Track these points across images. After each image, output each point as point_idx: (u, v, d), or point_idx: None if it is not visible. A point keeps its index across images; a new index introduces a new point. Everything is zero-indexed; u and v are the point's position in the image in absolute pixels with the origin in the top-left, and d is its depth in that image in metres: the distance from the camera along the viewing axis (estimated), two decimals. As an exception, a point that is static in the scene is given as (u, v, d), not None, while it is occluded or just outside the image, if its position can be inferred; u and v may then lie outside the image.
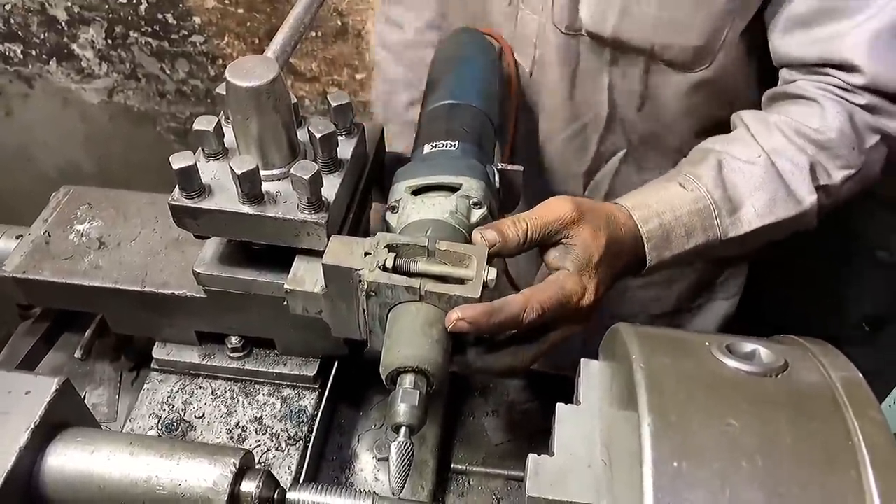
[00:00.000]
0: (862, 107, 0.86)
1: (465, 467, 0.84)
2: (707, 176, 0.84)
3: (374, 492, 0.54)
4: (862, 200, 0.97)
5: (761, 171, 0.85)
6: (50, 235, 0.85)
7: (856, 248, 1.63)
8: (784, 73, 0.93)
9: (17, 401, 0.54)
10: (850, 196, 0.90)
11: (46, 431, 0.54)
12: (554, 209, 0.74)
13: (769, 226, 0.84)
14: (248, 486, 0.54)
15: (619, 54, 0.97)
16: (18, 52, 2.02)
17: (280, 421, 0.81)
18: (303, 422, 0.81)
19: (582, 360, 0.61)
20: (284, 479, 0.76)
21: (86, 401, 0.89)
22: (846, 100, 0.86)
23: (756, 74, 1.00)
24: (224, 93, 0.70)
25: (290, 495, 0.54)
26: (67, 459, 0.54)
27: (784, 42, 0.90)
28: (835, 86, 0.87)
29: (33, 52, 2.01)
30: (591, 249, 0.73)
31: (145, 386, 0.84)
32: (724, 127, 0.96)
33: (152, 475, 0.53)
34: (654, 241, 0.80)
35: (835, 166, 0.86)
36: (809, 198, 0.85)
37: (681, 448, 0.42)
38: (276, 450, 0.79)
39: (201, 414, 0.82)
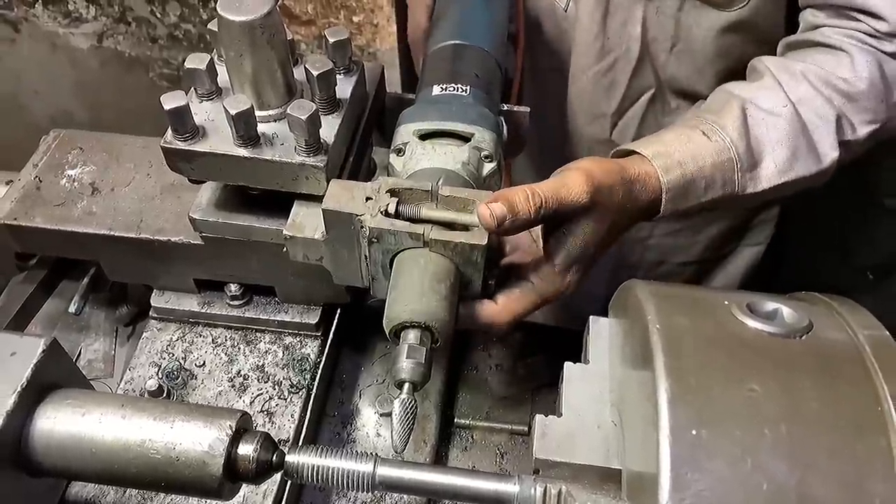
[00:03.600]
0: (891, 55, 0.82)
1: (468, 422, 0.83)
2: (731, 126, 0.80)
3: (376, 453, 0.53)
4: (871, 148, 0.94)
5: (785, 124, 0.81)
6: (41, 181, 0.82)
7: (864, 195, 1.60)
8: (808, 16, 0.88)
9: (4, 362, 0.52)
10: (867, 149, 0.87)
11: (34, 394, 0.52)
12: (572, 189, 0.68)
13: (787, 183, 0.81)
14: (246, 449, 0.52)
15: None
16: (3, -6, 1.95)
17: (282, 369, 0.80)
18: (305, 370, 0.80)
19: (591, 317, 0.59)
20: (287, 427, 0.76)
21: (81, 356, 0.88)
22: (875, 48, 0.82)
23: (787, 22, 0.95)
24: (216, 28, 0.66)
25: (288, 458, 0.53)
26: (57, 422, 0.52)
27: None
28: (863, 32, 0.82)
29: (18, -5, 1.94)
30: (589, 246, 0.71)
31: (144, 334, 0.83)
32: None
33: (146, 438, 0.51)
34: (672, 193, 0.76)
35: (861, 120, 0.82)
36: (832, 153, 0.81)
37: (700, 415, 0.40)
38: (279, 398, 0.78)
39: (202, 362, 0.81)
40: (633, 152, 0.79)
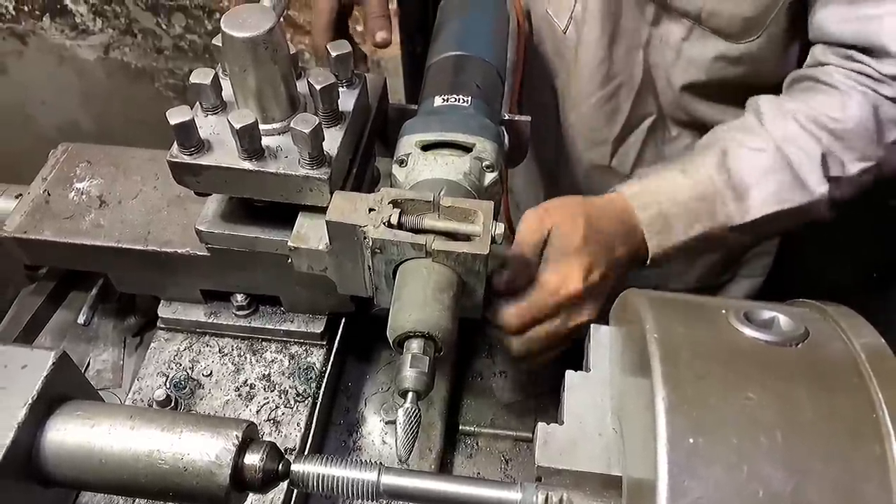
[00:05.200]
0: (890, 99, 0.83)
1: (473, 429, 0.84)
2: (710, 163, 0.82)
3: (381, 462, 0.54)
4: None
5: (769, 160, 0.82)
6: (49, 194, 0.83)
7: (871, 195, 1.60)
8: (817, 52, 0.89)
9: (14, 375, 0.53)
10: (867, 187, 0.87)
11: (45, 406, 0.53)
12: (525, 229, 0.75)
13: (778, 213, 0.82)
14: (252, 459, 0.52)
15: (662, 13, 0.93)
16: (10, 7, 1.98)
17: (288, 378, 0.81)
18: (311, 378, 0.81)
19: (592, 325, 0.60)
20: (294, 435, 0.77)
21: (90, 366, 0.89)
22: (873, 90, 0.83)
23: (801, 53, 0.96)
24: (220, 44, 0.68)
25: (294, 467, 0.53)
26: (67, 434, 0.53)
27: (824, 14, 0.86)
28: (865, 74, 0.83)
29: (26, 8, 1.97)
30: (568, 235, 0.74)
31: (152, 345, 0.84)
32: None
33: (154, 449, 0.52)
34: (654, 228, 0.78)
35: (850, 158, 0.83)
36: (819, 188, 0.82)
37: (697, 423, 0.40)
38: (285, 407, 0.79)
39: (209, 372, 0.82)
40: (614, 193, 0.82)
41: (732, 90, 0.98)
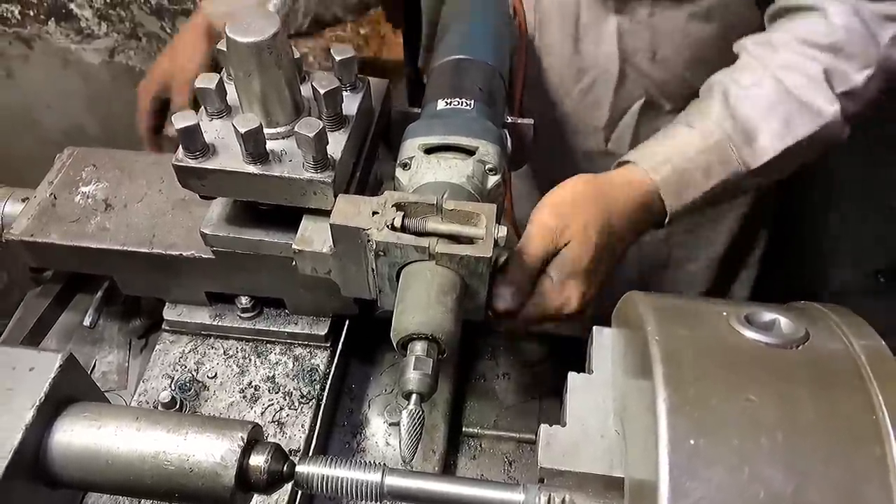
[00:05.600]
0: None
1: (476, 430, 0.84)
2: (713, 110, 0.81)
3: (384, 463, 0.54)
4: (877, 150, 0.93)
5: (770, 92, 0.81)
6: (56, 198, 0.84)
7: (871, 199, 1.60)
8: None
9: (22, 377, 0.53)
10: (878, 96, 0.85)
11: (52, 407, 0.54)
12: (535, 234, 0.73)
13: (793, 147, 0.80)
14: (257, 460, 0.53)
15: None
16: (16, 12, 1.99)
17: (292, 380, 0.82)
18: (315, 380, 0.81)
19: (594, 327, 0.60)
20: (298, 437, 0.77)
21: (96, 368, 0.90)
22: None
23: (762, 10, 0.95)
24: (225, 49, 0.68)
25: (299, 468, 0.54)
26: (74, 435, 0.53)
27: None
28: None
29: (31, 13, 1.98)
30: (579, 254, 0.73)
31: (157, 347, 0.85)
32: None
33: (160, 450, 0.52)
34: (670, 188, 0.77)
35: (853, 68, 0.82)
36: (830, 107, 0.80)
37: (698, 425, 0.41)
38: (290, 408, 0.79)
39: (214, 374, 0.83)
40: (624, 164, 0.80)
41: (716, 55, 0.97)
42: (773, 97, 0.81)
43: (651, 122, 1.08)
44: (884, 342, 0.45)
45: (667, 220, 0.80)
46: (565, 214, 0.74)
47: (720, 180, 0.79)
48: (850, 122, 0.83)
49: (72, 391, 0.56)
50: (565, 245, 0.73)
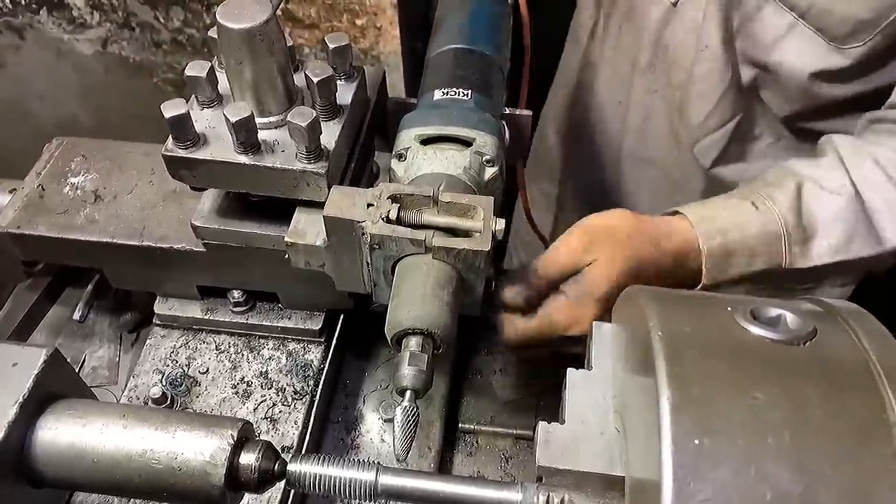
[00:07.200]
0: None
1: (472, 426, 0.83)
2: (783, 200, 0.77)
3: (379, 462, 0.53)
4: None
5: (844, 203, 0.77)
6: (44, 189, 0.82)
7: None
8: None
9: (5, 373, 0.52)
10: None
11: (36, 404, 0.52)
12: (560, 248, 0.73)
13: (843, 262, 0.77)
14: (248, 458, 0.52)
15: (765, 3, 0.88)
16: (7, 1, 1.96)
17: (286, 375, 0.80)
18: (309, 376, 0.80)
19: (594, 322, 0.59)
20: (291, 433, 0.76)
21: (85, 363, 0.88)
22: None
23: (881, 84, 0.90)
24: (216, 36, 0.66)
25: (290, 467, 0.52)
26: (59, 433, 0.52)
27: None
28: None
29: (22, 2, 1.95)
30: (597, 281, 0.71)
31: (148, 341, 0.83)
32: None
33: (147, 448, 0.51)
34: (714, 259, 0.74)
35: None
36: (894, 239, 0.77)
37: (703, 424, 0.39)
38: (283, 404, 0.78)
39: (205, 369, 0.81)
40: (678, 213, 0.77)
41: (820, 106, 0.94)
42: (846, 207, 0.77)
43: (740, 143, 1.05)
44: (894, 339, 0.44)
45: (699, 287, 0.77)
46: (595, 242, 0.72)
47: (762, 269, 0.76)
48: None
49: (57, 387, 0.55)
50: (587, 266, 0.72)
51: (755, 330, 0.45)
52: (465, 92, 0.77)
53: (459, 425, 0.84)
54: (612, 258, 0.71)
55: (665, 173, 1.18)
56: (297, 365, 0.81)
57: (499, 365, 0.90)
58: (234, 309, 0.82)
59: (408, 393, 0.57)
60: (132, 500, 0.68)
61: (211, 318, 0.83)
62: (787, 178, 0.80)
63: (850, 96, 0.91)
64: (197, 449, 0.51)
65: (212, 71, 0.69)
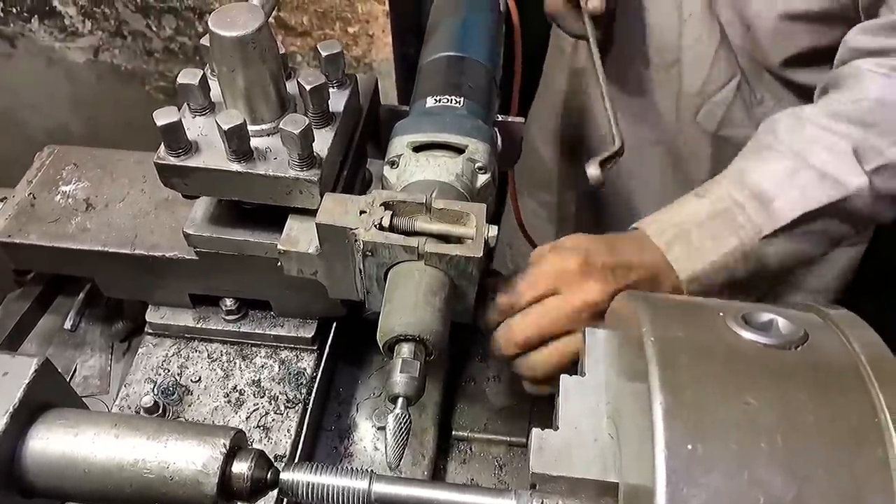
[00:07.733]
0: None
1: (466, 434, 0.83)
2: (726, 182, 0.78)
3: (372, 470, 0.53)
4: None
5: (789, 166, 0.78)
6: (35, 197, 0.82)
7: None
8: (850, 39, 0.84)
9: None
10: None
11: (27, 414, 0.52)
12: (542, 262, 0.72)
13: (810, 215, 0.76)
14: (240, 468, 0.51)
15: None
16: (-1, 9, 1.95)
17: (278, 384, 0.80)
18: (301, 384, 0.80)
19: (587, 328, 0.59)
20: (284, 442, 0.75)
21: (77, 373, 0.88)
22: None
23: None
24: (208, 44, 0.66)
25: (283, 475, 0.52)
26: (50, 443, 0.51)
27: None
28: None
29: (14, 10, 1.95)
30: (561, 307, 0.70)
31: (139, 350, 0.83)
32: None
33: (139, 458, 0.50)
34: (675, 251, 0.74)
35: (887, 143, 0.77)
36: (856, 180, 0.76)
37: (696, 429, 0.39)
38: (275, 413, 0.78)
39: (198, 378, 0.81)
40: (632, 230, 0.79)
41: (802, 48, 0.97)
42: (791, 169, 0.78)
43: (745, 107, 1.09)
44: (884, 343, 0.44)
45: (685, 287, 0.75)
46: (565, 272, 0.71)
47: (735, 246, 0.75)
48: (888, 199, 0.79)
49: (48, 397, 0.54)
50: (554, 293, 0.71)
51: (747, 335, 0.45)
52: (458, 99, 0.77)
53: (453, 433, 0.84)
54: (565, 248, 0.72)
55: (668, 150, 1.21)
56: (289, 373, 0.81)
57: (492, 372, 0.90)
58: (227, 317, 0.82)
59: (400, 400, 0.57)
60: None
61: (203, 326, 0.82)
62: (730, 168, 0.82)
63: (825, 46, 0.93)
64: (189, 458, 0.51)
65: (204, 79, 0.69)
